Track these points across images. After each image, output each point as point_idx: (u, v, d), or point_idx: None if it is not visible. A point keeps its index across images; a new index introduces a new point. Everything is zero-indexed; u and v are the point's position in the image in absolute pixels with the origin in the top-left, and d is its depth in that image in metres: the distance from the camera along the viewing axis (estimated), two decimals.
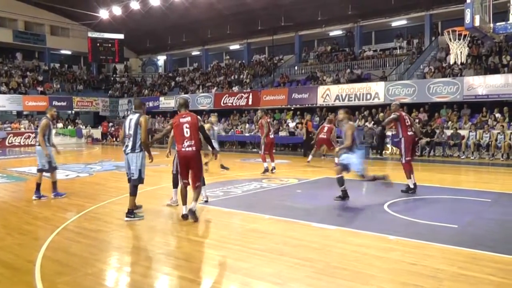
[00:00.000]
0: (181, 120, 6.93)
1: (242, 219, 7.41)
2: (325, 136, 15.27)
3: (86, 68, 38.88)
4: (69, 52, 37.65)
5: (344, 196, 8.54)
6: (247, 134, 23.22)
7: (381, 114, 18.51)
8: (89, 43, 34.21)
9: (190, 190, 7.09)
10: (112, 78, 38.92)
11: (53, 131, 9.47)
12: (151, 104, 31.81)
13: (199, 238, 6.20)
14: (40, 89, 31.99)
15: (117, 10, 28.96)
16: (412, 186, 9.48)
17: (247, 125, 24.78)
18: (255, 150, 22.23)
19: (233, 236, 6.28)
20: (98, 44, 34.42)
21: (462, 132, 17.56)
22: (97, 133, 31.65)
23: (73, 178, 12.44)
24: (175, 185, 8.22)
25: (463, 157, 16.93)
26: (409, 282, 4.49)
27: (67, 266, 5.06)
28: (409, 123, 9.62)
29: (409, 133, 9.52)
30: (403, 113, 9.79)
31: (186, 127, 6.88)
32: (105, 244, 6.10)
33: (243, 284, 4.57)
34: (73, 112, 33.70)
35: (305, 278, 4.66)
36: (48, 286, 4.46)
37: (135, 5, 27.97)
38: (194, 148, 6.91)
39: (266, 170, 12.69)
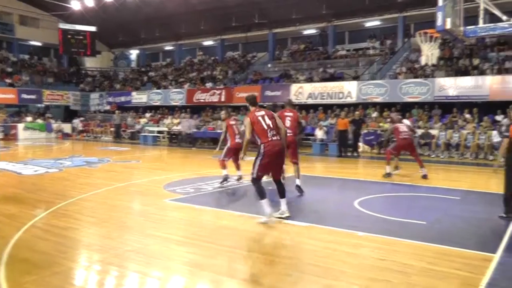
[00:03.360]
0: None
1: (212, 216, 7.40)
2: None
3: (57, 61, 38.03)
4: (39, 44, 36.65)
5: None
6: (219, 131, 23.09)
7: (357, 113, 18.74)
8: (60, 34, 33.22)
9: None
10: (83, 72, 38.21)
11: None
12: (123, 99, 31.44)
13: (169, 235, 6.14)
14: (8, 81, 31.05)
15: (89, 1, 28.39)
16: (388, 171, 11.40)
17: (219, 122, 24.67)
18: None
19: (203, 233, 6.25)
20: (69, 36, 33.51)
21: (433, 132, 17.90)
22: (67, 127, 31.03)
23: (42, 174, 12.16)
24: (264, 195, 6.65)
25: (433, 156, 17.27)
26: (378, 278, 4.57)
27: (34, 265, 4.95)
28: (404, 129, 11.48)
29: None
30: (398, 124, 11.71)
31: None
32: (74, 242, 5.99)
33: (213, 281, 4.57)
34: (43, 105, 32.93)
35: (276, 275, 4.69)
36: (14, 286, 4.35)
37: None
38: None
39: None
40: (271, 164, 6.72)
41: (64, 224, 6.70)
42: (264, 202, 6.56)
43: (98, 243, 5.88)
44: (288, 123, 8.64)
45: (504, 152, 7.27)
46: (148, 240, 5.93)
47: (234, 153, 10.09)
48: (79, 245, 5.89)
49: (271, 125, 6.65)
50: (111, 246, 5.61)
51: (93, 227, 6.69)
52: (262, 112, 6.81)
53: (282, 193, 6.93)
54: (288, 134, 8.11)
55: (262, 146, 6.59)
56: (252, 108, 6.92)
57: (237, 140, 10.02)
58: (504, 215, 6.99)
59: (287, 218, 6.79)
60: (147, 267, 4.96)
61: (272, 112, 7.04)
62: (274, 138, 6.61)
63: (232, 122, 10.32)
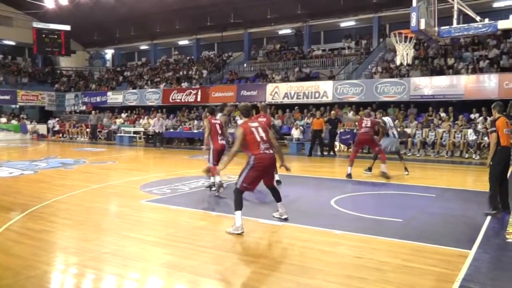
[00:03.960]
0: None
1: (189, 217, 7.38)
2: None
3: (31, 60, 37.29)
4: (12, 43, 35.91)
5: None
6: (195, 131, 23.02)
7: (333, 112, 18.94)
8: (34, 34, 32.51)
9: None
10: (58, 71, 37.55)
11: None
12: (98, 99, 31.05)
13: (146, 237, 6.10)
14: None
15: (63, 0, 27.93)
16: (349, 172, 11.26)
17: (195, 122, 24.58)
18: (203, 146, 22.16)
19: (180, 234, 6.24)
20: (43, 35, 32.76)
21: (409, 131, 18.20)
22: (43, 128, 30.47)
23: (17, 176, 11.93)
24: (240, 206, 6.25)
25: (409, 154, 17.53)
26: (354, 275, 4.63)
27: (8, 269, 4.86)
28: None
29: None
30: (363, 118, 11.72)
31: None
32: (49, 245, 5.90)
33: (190, 282, 4.56)
34: (18, 106, 32.25)
35: (252, 274, 4.71)
36: None
37: None
38: None
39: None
40: (259, 177, 6.45)
41: (40, 227, 6.58)
42: (238, 214, 6.15)
43: (74, 246, 5.80)
44: None
45: (494, 147, 7.12)
46: (125, 241, 5.88)
47: (219, 156, 9.53)
48: (54, 248, 5.81)
49: (264, 138, 6.33)
50: (87, 249, 5.55)
51: (69, 230, 6.61)
52: (256, 123, 6.55)
53: (277, 197, 6.84)
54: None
55: (252, 158, 6.28)
56: (245, 119, 6.67)
57: (220, 141, 9.49)
58: (491, 212, 7.04)
59: (285, 220, 6.77)
60: (124, 269, 4.92)
61: (265, 125, 6.79)
62: (267, 151, 6.30)
63: (215, 121, 9.62)
